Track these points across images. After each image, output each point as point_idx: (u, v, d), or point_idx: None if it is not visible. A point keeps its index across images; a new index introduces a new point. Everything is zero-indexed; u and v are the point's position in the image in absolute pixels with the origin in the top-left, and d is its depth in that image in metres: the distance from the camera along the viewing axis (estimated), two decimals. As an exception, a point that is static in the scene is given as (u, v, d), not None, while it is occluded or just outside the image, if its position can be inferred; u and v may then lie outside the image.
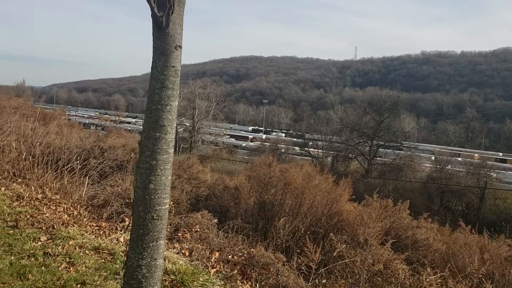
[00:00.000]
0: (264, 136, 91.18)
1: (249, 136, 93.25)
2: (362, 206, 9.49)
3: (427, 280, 4.94)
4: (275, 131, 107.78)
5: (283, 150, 63.12)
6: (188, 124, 72.95)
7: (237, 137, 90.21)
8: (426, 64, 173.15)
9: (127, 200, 7.93)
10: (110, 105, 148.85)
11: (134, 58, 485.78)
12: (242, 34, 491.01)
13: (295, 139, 73.75)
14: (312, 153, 55.60)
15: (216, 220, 8.47)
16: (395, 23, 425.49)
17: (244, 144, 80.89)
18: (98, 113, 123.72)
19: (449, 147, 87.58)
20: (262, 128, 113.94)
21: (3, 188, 8.45)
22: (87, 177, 8.74)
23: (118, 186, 8.36)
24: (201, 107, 71.29)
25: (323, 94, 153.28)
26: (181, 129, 72.30)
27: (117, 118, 68.88)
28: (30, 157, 9.96)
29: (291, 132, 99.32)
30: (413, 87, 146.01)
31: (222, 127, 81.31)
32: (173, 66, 2.63)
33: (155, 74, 2.66)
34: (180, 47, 2.61)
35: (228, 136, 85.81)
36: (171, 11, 2.59)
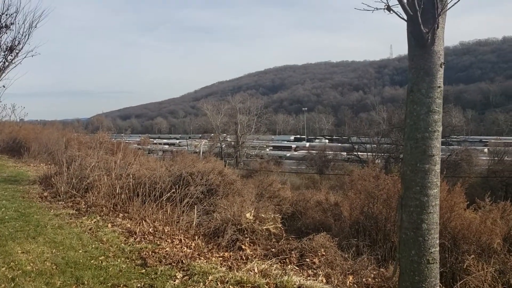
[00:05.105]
0: (307, 144, 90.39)
1: (292, 146, 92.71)
2: (474, 211, 8.84)
3: None
4: (318, 138, 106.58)
5: (330, 157, 61.99)
6: (230, 140, 73.29)
7: (280, 148, 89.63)
8: (466, 54, 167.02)
9: (239, 227, 7.70)
10: (153, 128, 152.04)
11: (171, 81, 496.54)
12: (274, 45, 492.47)
13: (340, 144, 72.40)
14: (361, 157, 54.35)
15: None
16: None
17: (288, 154, 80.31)
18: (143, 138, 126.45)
19: (501, 137, 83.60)
20: (304, 136, 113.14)
21: (109, 225, 8.42)
22: (192, 206, 8.60)
23: (224, 212, 8.16)
24: (243, 121, 71.53)
25: (363, 96, 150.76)
26: (224, 145, 72.84)
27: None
28: (125, 190, 9.96)
29: (334, 137, 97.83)
30: (455, 79, 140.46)
31: (264, 139, 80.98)
32: (439, 87, 2.27)
33: (418, 97, 2.28)
34: (444, 64, 2.26)
35: (271, 148, 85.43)
36: (436, 26, 2.20)
